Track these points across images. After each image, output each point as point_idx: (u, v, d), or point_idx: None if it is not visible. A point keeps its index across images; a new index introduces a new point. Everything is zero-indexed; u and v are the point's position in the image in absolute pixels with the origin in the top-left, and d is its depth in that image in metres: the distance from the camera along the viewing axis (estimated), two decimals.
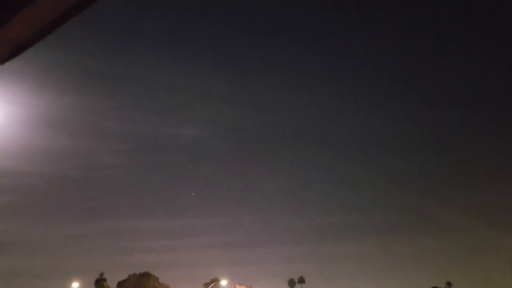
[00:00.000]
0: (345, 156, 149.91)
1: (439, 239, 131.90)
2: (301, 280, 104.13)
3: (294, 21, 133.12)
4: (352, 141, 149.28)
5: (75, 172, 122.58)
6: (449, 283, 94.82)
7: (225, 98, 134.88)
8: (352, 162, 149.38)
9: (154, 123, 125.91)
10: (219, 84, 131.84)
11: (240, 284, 63.33)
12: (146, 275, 74.29)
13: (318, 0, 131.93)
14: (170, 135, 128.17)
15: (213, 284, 64.63)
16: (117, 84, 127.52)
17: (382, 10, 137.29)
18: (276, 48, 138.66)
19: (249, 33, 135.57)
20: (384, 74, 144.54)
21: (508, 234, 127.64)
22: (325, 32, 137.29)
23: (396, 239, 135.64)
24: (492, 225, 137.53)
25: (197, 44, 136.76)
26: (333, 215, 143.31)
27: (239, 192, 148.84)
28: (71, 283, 47.74)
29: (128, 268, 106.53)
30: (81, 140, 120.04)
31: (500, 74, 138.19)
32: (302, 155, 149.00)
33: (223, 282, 46.13)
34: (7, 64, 2.12)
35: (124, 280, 74.38)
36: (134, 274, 74.79)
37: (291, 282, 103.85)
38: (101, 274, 78.94)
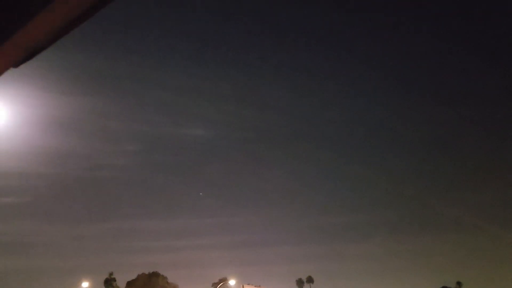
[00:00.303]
0: (352, 156, 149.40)
1: (447, 239, 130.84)
2: (310, 280, 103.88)
3: (300, 21, 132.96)
4: (359, 141, 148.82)
5: (85, 173, 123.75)
6: (459, 283, 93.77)
7: (230, 98, 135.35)
8: (359, 162, 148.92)
9: (162, 123, 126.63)
10: (224, 84, 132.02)
11: (249, 284, 63.37)
12: (155, 275, 74.64)
13: (322, 0, 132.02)
14: (177, 135, 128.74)
15: (221, 283, 64.80)
16: (124, 85, 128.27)
17: (383, 10, 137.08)
18: (282, 48, 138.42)
19: (256, 33, 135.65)
20: (387, 74, 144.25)
21: None
22: (330, 31, 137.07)
23: (404, 239, 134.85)
24: (502, 224, 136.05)
25: (203, 44, 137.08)
26: (341, 214, 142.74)
27: (247, 192, 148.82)
28: (81, 282, 48.09)
29: (137, 268, 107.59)
30: (90, 141, 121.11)
31: (500, 74, 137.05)
32: (309, 155, 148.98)
33: (232, 282, 46.21)
34: (21, 67, 2.15)
35: (133, 280, 74.77)
36: (143, 273, 75.17)
37: (300, 282, 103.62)
38: (111, 274, 79.60)
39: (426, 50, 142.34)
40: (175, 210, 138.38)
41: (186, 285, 79.35)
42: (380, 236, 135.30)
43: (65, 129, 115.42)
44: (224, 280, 65.20)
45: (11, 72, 2.18)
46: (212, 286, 78.12)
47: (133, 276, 75.56)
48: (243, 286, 59.17)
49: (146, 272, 75.42)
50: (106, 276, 79.27)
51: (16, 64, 2.04)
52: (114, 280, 79.33)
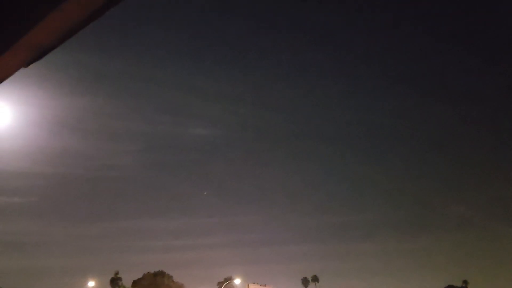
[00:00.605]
0: (355, 156, 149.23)
1: (451, 237, 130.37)
2: (315, 279, 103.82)
3: (300, 21, 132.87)
4: (360, 140, 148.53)
5: (90, 172, 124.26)
6: (465, 281, 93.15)
7: (231, 97, 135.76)
8: (362, 162, 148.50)
9: (164, 123, 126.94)
10: (225, 84, 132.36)
11: (254, 283, 63.34)
12: (160, 274, 74.88)
13: (322, 0, 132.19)
14: (179, 135, 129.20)
15: (227, 283, 64.85)
16: (126, 84, 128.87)
17: (383, 10, 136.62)
18: (282, 48, 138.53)
19: (256, 33, 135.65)
20: (387, 74, 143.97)
21: None
22: (330, 31, 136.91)
23: (408, 238, 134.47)
24: (506, 222, 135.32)
25: (207, 44, 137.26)
26: (347, 213, 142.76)
27: (250, 191, 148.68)
28: (87, 282, 48.39)
29: (143, 267, 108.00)
30: (95, 141, 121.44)
31: (500, 74, 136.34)
32: (311, 154, 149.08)
33: (237, 281, 46.28)
34: (30, 67, 2.17)
35: (139, 279, 75.07)
36: (149, 273, 75.45)
37: (305, 281, 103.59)
38: (117, 273, 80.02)
39: (426, 50, 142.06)
40: (179, 209, 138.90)
41: (191, 284, 79.52)
42: (384, 235, 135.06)
43: (69, 129, 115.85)
44: (229, 279, 65.29)
45: (18, 73, 2.21)
46: (218, 285, 78.26)
47: (139, 276, 75.87)
48: (248, 285, 59.15)
49: (152, 272, 75.71)
50: (111, 275, 79.73)
51: (27, 64, 2.07)
52: (120, 279, 79.75)
